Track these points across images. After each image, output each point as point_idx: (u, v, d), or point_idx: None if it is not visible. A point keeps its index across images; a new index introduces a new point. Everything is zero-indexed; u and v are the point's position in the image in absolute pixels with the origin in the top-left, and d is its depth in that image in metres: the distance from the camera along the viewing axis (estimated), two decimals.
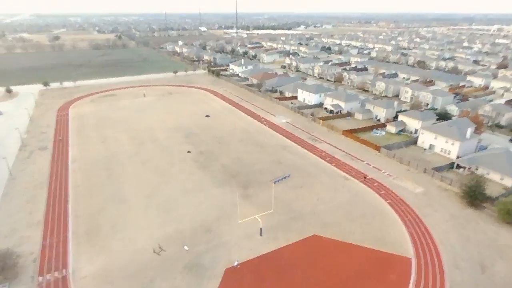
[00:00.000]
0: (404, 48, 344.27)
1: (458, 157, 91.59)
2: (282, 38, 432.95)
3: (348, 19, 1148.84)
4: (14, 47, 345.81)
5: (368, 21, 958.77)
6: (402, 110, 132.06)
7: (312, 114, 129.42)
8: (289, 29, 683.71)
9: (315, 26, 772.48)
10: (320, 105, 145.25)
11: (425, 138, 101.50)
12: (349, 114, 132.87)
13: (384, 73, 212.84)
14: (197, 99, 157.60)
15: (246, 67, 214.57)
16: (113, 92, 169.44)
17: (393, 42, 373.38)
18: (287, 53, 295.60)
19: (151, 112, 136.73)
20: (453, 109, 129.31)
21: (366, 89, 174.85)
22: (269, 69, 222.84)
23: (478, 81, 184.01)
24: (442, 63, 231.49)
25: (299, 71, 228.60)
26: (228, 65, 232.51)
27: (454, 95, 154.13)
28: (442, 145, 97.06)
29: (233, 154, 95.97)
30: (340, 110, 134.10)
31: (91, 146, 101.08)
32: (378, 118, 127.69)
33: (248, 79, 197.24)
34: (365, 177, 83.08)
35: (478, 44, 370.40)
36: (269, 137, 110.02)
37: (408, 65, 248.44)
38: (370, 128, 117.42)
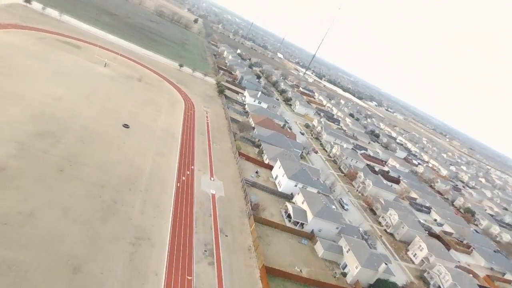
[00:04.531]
0: (461, 182, 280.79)
1: None
2: (341, 101, 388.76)
3: (425, 120, 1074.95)
4: None
5: (442, 133, 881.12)
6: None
7: (254, 207, 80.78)
8: (360, 98, 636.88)
9: (386, 109, 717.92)
10: (288, 196, 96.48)
11: None
12: (311, 236, 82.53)
13: (415, 199, 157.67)
14: (155, 103, 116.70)
15: (259, 102, 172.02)
16: (82, 44, 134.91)
17: (452, 168, 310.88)
18: (326, 116, 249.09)
19: (78, 83, 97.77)
20: None
21: (372, 207, 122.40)
22: (288, 120, 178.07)
23: None
24: (496, 229, 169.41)
25: (318, 139, 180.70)
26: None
27: None
28: None
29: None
30: (302, 225, 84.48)
31: None
32: (346, 270, 76.03)
33: (247, 114, 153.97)
34: None
35: None
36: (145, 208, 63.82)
37: (453, 205, 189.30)
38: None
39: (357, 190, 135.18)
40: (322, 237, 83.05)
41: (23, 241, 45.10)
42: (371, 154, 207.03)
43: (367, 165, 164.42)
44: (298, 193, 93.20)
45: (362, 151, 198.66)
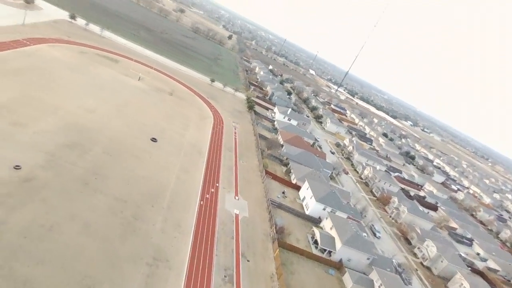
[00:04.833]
0: (507, 211, 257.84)
1: None
2: (374, 119, 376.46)
3: (465, 142, 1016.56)
4: (142, 0, 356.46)
5: (484, 156, 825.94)
6: None
7: (279, 230, 76.40)
8: (394, 117, 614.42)
9: (422, 130, 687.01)
10: (315, 220, 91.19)
11: None
12: (339, 266, 76.59)
13: (454, 229, 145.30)
14: (184, 117, 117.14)
15: (288, 119, 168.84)
16: (119, 58, 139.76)
17: (496, 195, 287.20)
18: (358, 135, 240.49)
19: (112, 96, 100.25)
20: None
21: (407, 236, 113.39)
22: (318, 138, 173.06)
23: None
24: None
25: (349, 160, 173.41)
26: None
27: None
28: None
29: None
30: (330, 253, 78.84)
31: None
32: None
33: (276, 131, 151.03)
34: None
35: None
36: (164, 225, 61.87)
37: (498, 238, 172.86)
38: None
39: (390, 216, 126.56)
40: (351, 267, 76.82)
41: (41, 256, 44.22)
42: (406, 177, 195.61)
43: (402, 189, 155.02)
44: (327, 218, 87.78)
45: (396, 174, 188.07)
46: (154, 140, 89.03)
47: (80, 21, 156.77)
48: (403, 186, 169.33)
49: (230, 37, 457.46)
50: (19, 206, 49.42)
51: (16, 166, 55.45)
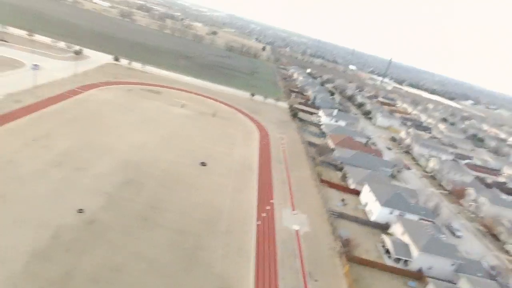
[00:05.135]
0: None
1: None
2: (428, 105, 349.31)
3: None
4: (174, 29, 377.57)
5: None
6: None
7: (345, 243, 70.75)
8: (451, 99, 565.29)
9: (487, 107, 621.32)
10: (383, 226, 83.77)
11: None
12: (420, 276, 68.68)
13: None
14: (230, 136, 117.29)
15: (336, 121, 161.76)
16: (162, 89, 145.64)
17: None
18: (414, 125, 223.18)
19: (158, 127, 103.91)
20: None
21: (493, 232, 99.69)
22: (371, 136, 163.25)
23: None
24: None
25: (409, 153, 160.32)
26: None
27: None
28: None
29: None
30: (406, 261, 71.25)
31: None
32: None
33: (325, 135, 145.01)
34: None
35: None
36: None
37: None
38: None
39: (468, 211, 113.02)
40: (434, 276, 68.37)
41: None
42: (479, 163, 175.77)
43: (476, 177, 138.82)
44: (396, 222, 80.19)
45: (466, 161, 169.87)
46: (203, 164, 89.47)
47: (124, 61, 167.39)
48: (477, 173, 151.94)
49: (264, 49, 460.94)
50: (86, 250, 51.21)
51: (80, 210, 58.18)
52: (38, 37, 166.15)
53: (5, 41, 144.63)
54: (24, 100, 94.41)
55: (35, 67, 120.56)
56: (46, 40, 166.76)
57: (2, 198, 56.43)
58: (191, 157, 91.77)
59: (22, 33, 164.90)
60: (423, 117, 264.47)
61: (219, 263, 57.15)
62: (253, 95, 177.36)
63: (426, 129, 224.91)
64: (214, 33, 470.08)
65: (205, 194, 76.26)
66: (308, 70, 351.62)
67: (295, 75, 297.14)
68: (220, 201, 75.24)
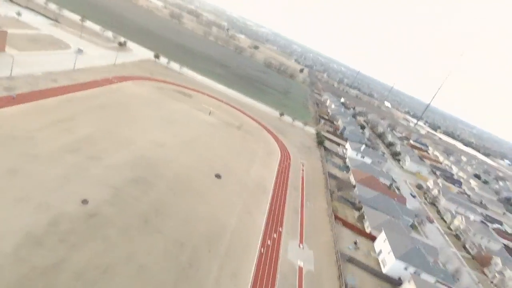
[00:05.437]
0: None
1: None
2: (462, 157, 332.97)
3: None
4: (218, 37, 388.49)
5: None
6: None
7: None
8: (487, 155, 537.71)
9: None
10: (395, 282, 76.79)
11: None
12: None
13: None
14: (250, 152, 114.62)
15: (362, 156, 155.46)
16: (193, 93, 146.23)
17: None
18: (444, 175, 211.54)
19: (182, 130, 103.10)
20: None
21: None
22: (396, 179, 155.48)
23: None
24: None
25: (434, 205, 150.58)
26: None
27: None
28: None
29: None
30: None
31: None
32: None
33: (348, 169, 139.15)
34: None
35: None
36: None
37: None
38: None
39: (492, 282, 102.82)
40: None
41: None
42: (509, 231, 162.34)
43: (505, 246, 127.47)
44: (410, 281, 73.22)
45: (496, 226, 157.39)
46: (218, 176, 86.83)
47: (163, 60, 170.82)
48: (506, 242, 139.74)
49: (301, 71, 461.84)
50: (80, 244, 49.15)
51: (84, 200, 56.69)
52: (88, 24, 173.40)
53: (58, 22, 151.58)
54: (60, 80, 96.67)
55: (79, 51, 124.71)
56: (96, 27, 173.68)
57: (13, 173, 56.04)
58: (207, 166, 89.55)
59: (75, 18, 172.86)
60: (455, 169, 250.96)
61: (210, 285, 53.36)
62: (282, 114, 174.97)
63: (456, 182, 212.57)
64: (256, 47, 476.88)
65: (213, 208, 73.24)
66: (342, 100, 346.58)
67: (327, 102, 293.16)
68: (227, 219, 71.86)
